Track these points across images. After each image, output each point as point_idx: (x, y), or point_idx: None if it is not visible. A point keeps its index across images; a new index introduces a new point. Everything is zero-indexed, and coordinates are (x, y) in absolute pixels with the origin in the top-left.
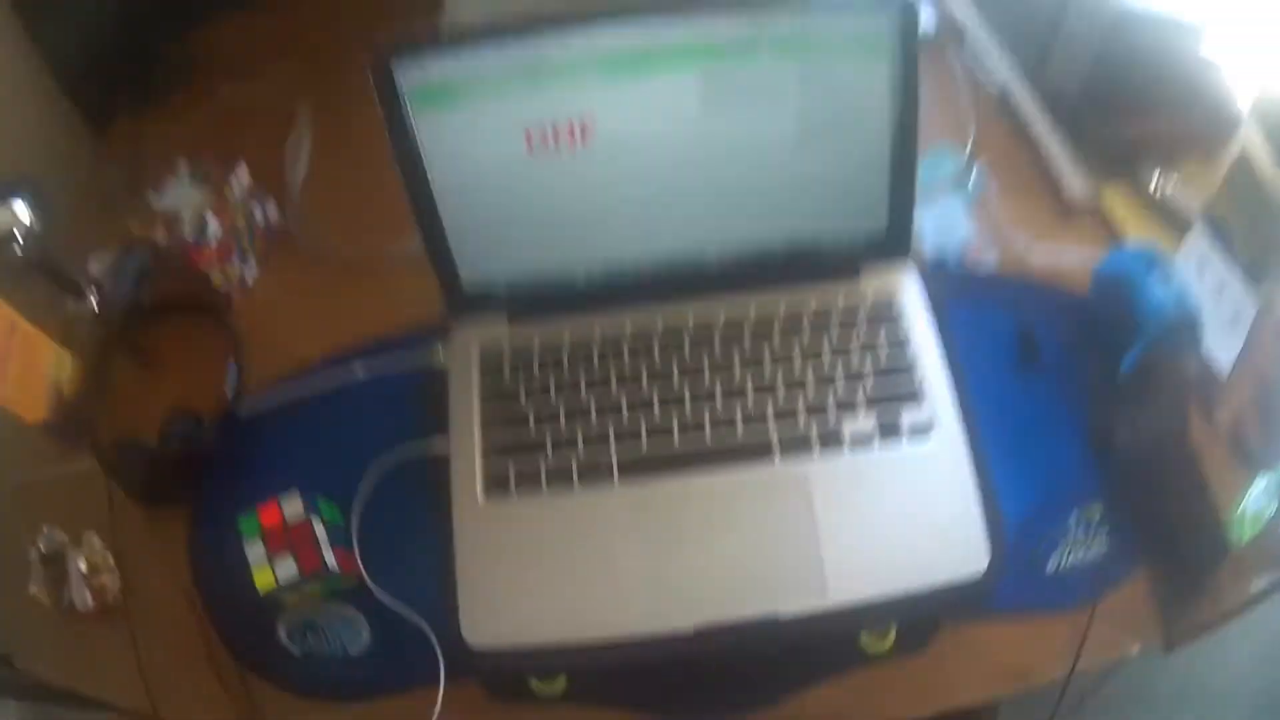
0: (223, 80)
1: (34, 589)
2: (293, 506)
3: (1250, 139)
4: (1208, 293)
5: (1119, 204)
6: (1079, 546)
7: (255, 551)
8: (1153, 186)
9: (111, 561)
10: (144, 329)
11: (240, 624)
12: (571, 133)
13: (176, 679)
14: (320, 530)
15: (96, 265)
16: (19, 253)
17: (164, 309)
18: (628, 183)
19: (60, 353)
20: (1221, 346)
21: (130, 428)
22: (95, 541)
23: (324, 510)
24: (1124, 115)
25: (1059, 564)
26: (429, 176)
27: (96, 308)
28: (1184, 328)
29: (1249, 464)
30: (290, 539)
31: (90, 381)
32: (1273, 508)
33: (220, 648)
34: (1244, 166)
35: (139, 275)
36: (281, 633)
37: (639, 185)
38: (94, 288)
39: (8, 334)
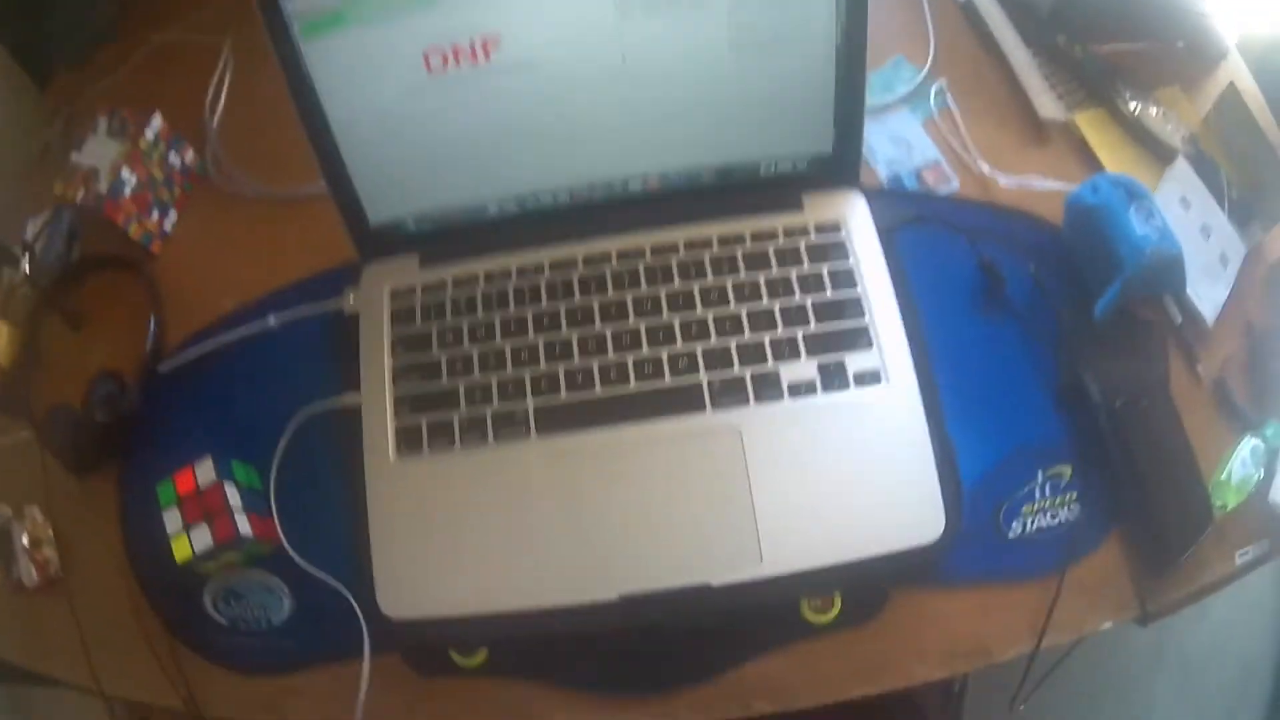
0: (150, 24)
1: None
2: (205, 472)
3: (1240, 71)
4: (1192, 232)
5: (1094, 129)
6: (1045, 510)
7: (173, 521)
8: (1130, 112)
9: (51, 534)
10: (73, 291)
11: (170, 594)
12: (474, 50)
13: (117, 653)
14: (234, 496)
15: (30, 227)
16: None
17: (89, 268)
18: (540, 103)
19: None
20: (1206, 291)
21: (62, 393)
22: (36, 514)
23: (239, 474)
24: (1098, 35)
25: (1023, 529)
26: (325, 108)
27: (29, 271)
28: (1165, 268)
29: (1235, 423)
30: (205, 506)
31: (24, 348)
32: (1258, 474)
33: (153, 619)
34: (1233, 100)
35: (69, 237)
36: (206, 602)
37: (552, 106)
38: (26, 253)
39: None
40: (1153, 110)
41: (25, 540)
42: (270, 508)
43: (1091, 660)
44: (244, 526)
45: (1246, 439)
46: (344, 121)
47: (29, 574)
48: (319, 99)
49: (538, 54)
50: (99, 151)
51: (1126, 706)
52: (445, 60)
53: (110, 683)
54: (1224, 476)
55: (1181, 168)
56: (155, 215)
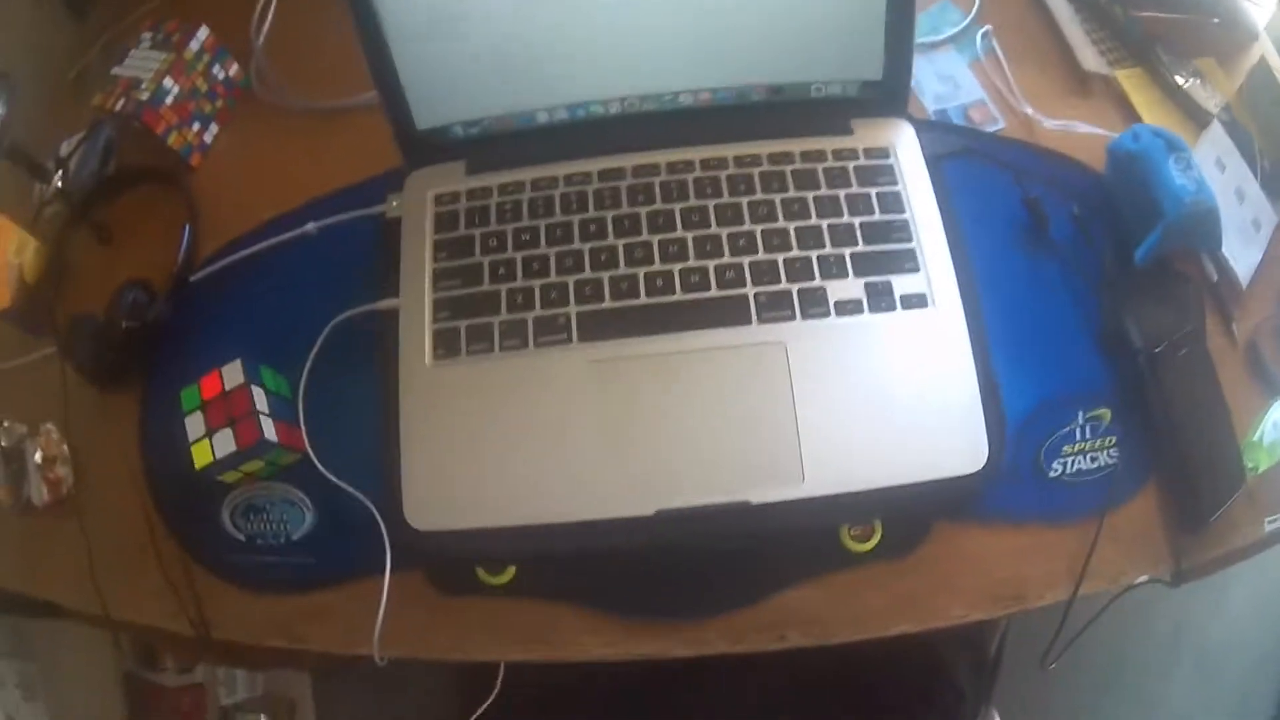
0: None
1: None
2: (233, 375)
3: (1270, 52)
4: (1228, 193)
5: (1134, 86)
6: (1085, 453)
7: (195, 426)
8: (1169, 74)
9: (67, 451)
10: (106, 205)
11: (186, 511)
12: None
13: (126, 574)
14: (261, 400)
15: (65, 146)
16: None
17: (125, 181)
18: (595, 8)
19: (23, 237)
20: (1241, 252)
21: (88, 308)
22: (52, 431)
23: (268, 381)
24: (1140, 2)
25: (1063, 470)
26: (376, 4)
27: (62, 186)
28: (1203, 220)
29: (1267, 386)
30: (229, 410)
31: (52, 264)
32: None
33: (167, 539)
34: (1265, 74)
35: (104, 151)
36: (225, 516)
37: (607, 11)
38: (60, 169)
39: None
40: (1190, 76)
41: (38, 457)
42: (298, 417)
43: (1111, 650)
44: (269, 431)
45: (1278, 403)
46: (396, 18)
47: (39, 493)
48: None
49: None
50: (141, 63)
51: (1143, 694)
52: None
53: (117, 607)
54: (1256, 438)
55: (1217, 131)
56: (196, 126)
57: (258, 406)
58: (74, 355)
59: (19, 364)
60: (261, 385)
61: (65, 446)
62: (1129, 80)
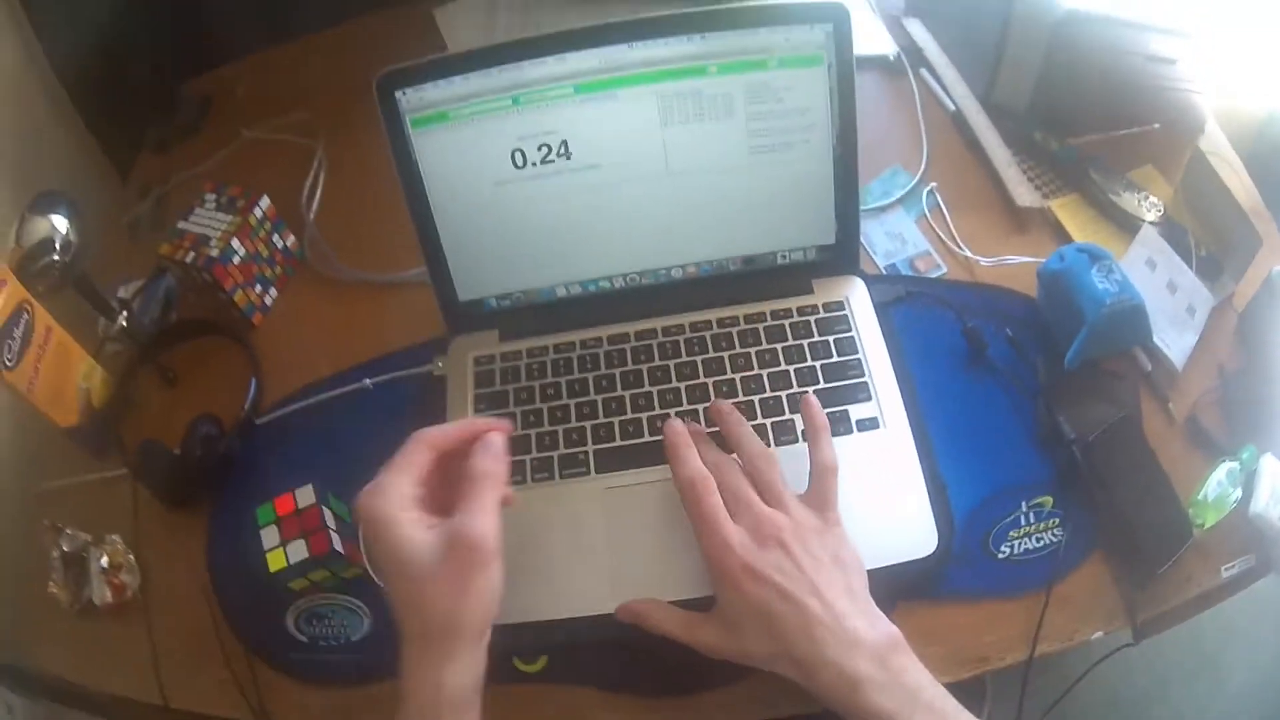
0: (239, 119)
1: (53, 588)
2: (305, 496)
3: (1217, 139)
4: (1159, 288)
5: (1068, 212)
6: (1030, 534)
7: (270, 537)
8: (1102, 194)
9: (132, 560)
10: (171, 348)
11: (250, 616)
12: (552, 149)
13: (188, 669)
14: (329, 519)
15: (123, 290)
16: (57, 264)
17: (187, 332)
18: (602, 199)
19: (92, 364)
20: (1174, 339)
21: (151, 436)
22: (118, 541)
23: (333, 505)
24: (1076, 128)
25: (1011, 551)
26: (427, 193)
27: (126, 326)
28: (1127, 317)
29: (1211, 453)
30: (302, 525)
31: (118, 394)
32: (1237, 494)
33: (231, 638)
34: (1201, 165)
35: (167, 298)
36: (289, 621)
37: (612, 202)
38: (124, 309)
39: (44, 337)
40: (1123, 190)
41: (104, 562)
42: (358, 539)
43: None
44: (338, 544)
45: (1223, 463)
46: (443, 206)
47: (102, 595)
48: (423, 184)
49: (602, 156)
50: (208, 222)
51: None
52: (529, 155)
53: (178, 698)
54: (1201, 496)
55: (1147, 233)
56: (258, 288)
57: (327, 523)
58: (146, 478)
59: (81, 481)
60: (329, 507)
61: (131, 556)
62: (1063, 208)
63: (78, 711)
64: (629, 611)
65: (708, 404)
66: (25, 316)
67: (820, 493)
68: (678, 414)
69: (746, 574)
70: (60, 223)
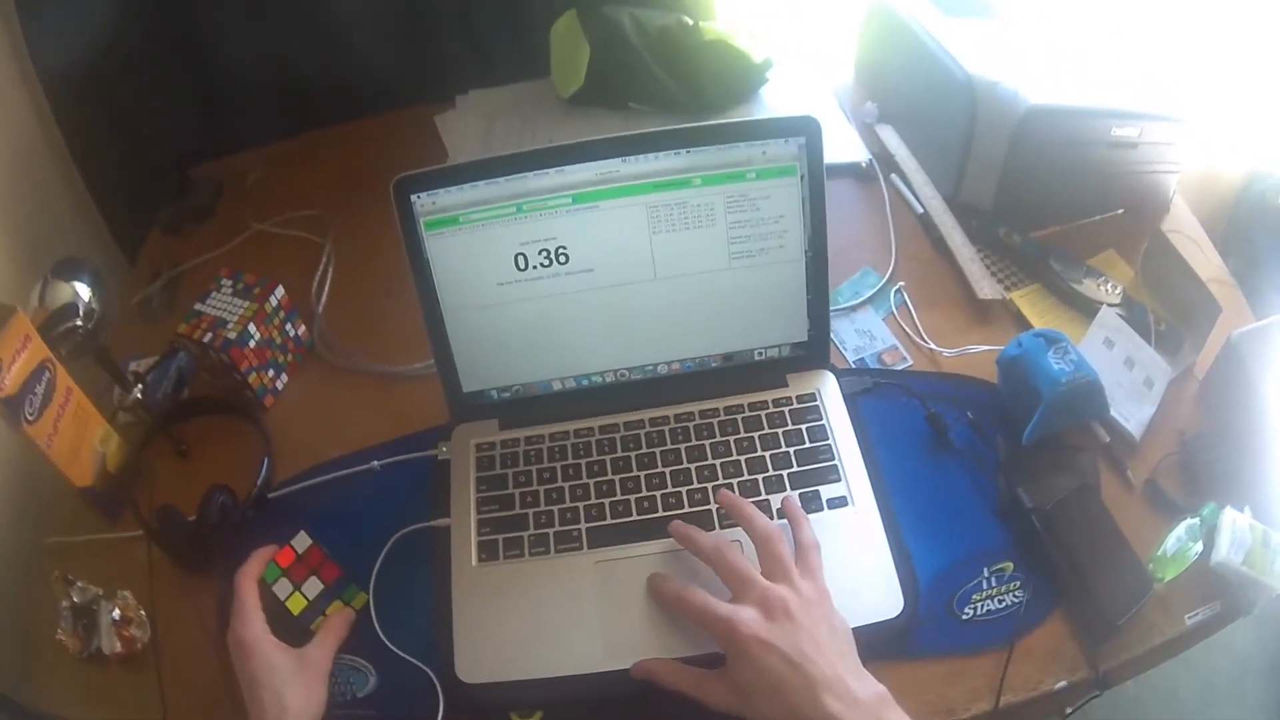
0: (248, 207)
1: (61, 635)
2: (302, 541)
3: (1174, 212)
4: (1116, 365)
5: (1029, 302)
6: (993, 597)
7: (282, 588)
8: (1062, 282)
9: (143, 614)
10: (183, 423)
11: None
12: (550, 255)
13: (196, 718)
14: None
15: (134, 364)
16: (79, 330)
17: (202, 407)
18: (596, 301)
19: (108, 430)
20: (1132, 411)
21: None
22: (129, 597)
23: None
24: (1039, 222)
25: (974, 613)
26: (437, 291)
27: (140, 398)
28: (1082, 393)
29: (1169, 512)
30: (309, 565)
31: (132, 461)
32: (1197, 547)
33: (239, 694)
34: (1160, 244)
35: (179, 375)
36: None
37: (605, 304)
38: (139, 382)
39: (65, 397)
40: (1084, 277)
41: (116, 614)
42: (369, 602)
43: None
44: (344, 573)
45: (1184, 520)
46: (451, 303)
47: (111, 645)
48: (434, 282)
49: (595, 261)
50: (225, 305)
51: None
52: (530, 259)
53: None
54: (1160, 552)
55: (1105, 315)
56: (271, 372)
57: (329, 556)
58: (163, 540)
59: (94, 539)
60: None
61: (142, 612)
62: (1024, 298)
63: None
64: (643, 670)
65: (690, 486)
66: (47, 375)
67: (808, 568)
68: (662, 496)
69: (758, 644)
70: (84, 290)
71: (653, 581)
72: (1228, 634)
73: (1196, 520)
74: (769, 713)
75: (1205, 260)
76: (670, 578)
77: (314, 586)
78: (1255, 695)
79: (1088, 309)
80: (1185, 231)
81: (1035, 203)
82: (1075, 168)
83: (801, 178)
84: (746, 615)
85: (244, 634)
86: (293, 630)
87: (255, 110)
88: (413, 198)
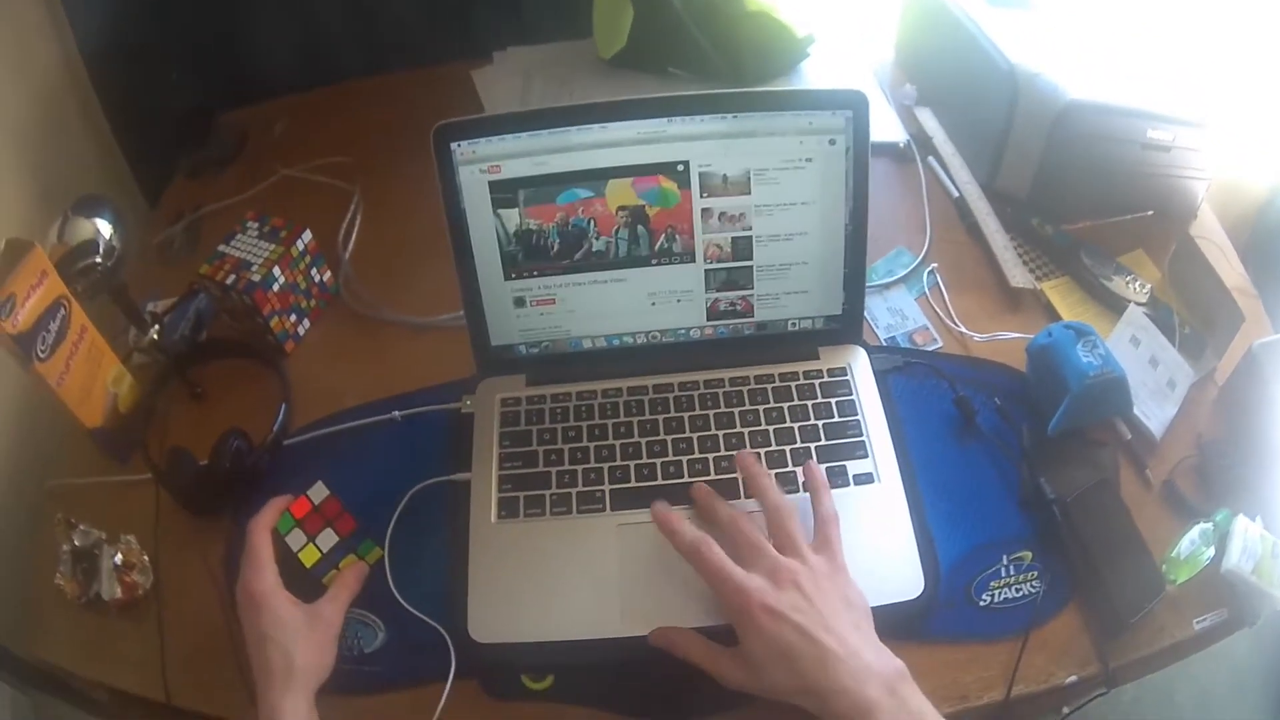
0: (274, 156)
1: (59, 580)
2: (319, 492)
3: (1208, 223)
4: (1141, 363)
5: (1059, 294)
6: (1010, 585)
7: (296, 539)
8: (1093, 277)
9: (146, 560)
10: (199, 366)
11: None
12: (589, 209)
13: (196, 670)
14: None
15: (152, 305)
16: (98, 267)
17: (221, 350)
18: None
19: (121, 370)
20: (1154, 410)
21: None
22: (133, 542)
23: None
24: (1072, 215)
25: (991, 600)
26: (472, 242)
27: (156, 339)
28: (1108, 389)
29: (1186, 515)
30: (325, 516)
31: (145, 403)
32: (1210, 551)
33: (243, 645)
34: (1189, 249)
35: (198, 318)
36: None
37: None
38: (155, 323)
39: (79, 335)
40: (1113, 273)
41: (118, 559)
42: (384, 555)
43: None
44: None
45: (1197, 524)
46: (485, 254)
47: (112, 591)
48: (469, 233)
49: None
50: (250, 248)
51: None
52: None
53: (183, 697)
54: (1174, 554)
55: (1133, 313)
56: (293, 318)
57: (346, 508)
58: (171, 483)
59: (100, 481)
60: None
61: (145, 557)
62: (1054, 290)
63: (65, 704)
64: (661, 636)
65: (717, 453)
66: (62, 311)
67: (826, 540)
68: (688, 462)
69: (766, 614)
70: (104, 227)
71: (665, 518)
72: (1227, 644)
73: (1210, 525)
74: (780, 681)
75: (1229, 268)
76: (685, 521)
77: (329, 539)
78: (1252, 704)
79: (1115, 305)
80: (1211, 238)
81: (1069, 196)
82: (1109, 165)
83: (846, 150)
84: (755, 583)
85: (255, 586)
86: (304, 583)
87: (284, 60)
88: (453, 145)
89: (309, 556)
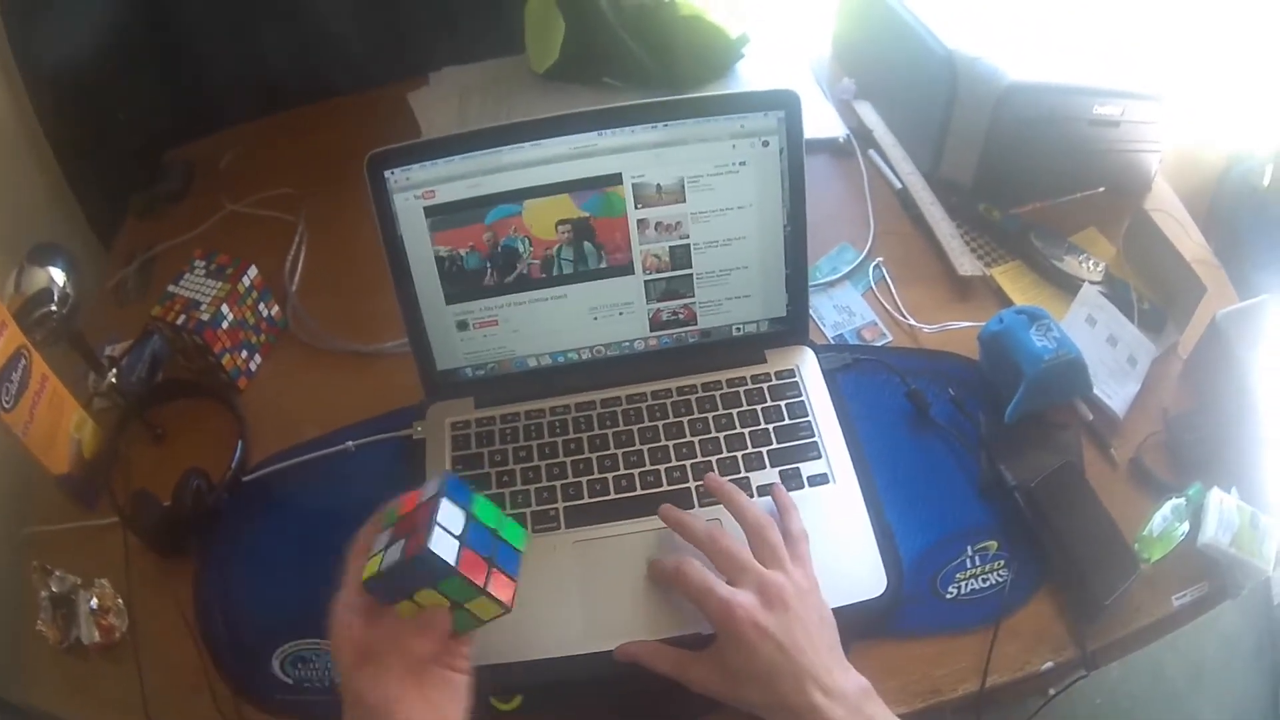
0: (221, 189)
1: (41, 626)
2: (430, 489)
3: (1157, 191)
4: (1100, 342)
5: (1010, 279)
6: (977, 576)
7: (381, 540)
8: (1044, 258)
9: (120, 603)
10: (158, 407)
11: (238, 658)
12: (522, 227)
13: (176, 707)
14: (451, 518)
15: (109, 349)
16: (54, 315)
17: (176, 390)
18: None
19: (83, 416)
20: (1116, 389)
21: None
22: (106, 585)
23: (480, 510)
24: (1021, 198)
25: (958, 592)
26: (411, 269)
27: (115, 383)
28: (1065, 371)
29: (1154, 491)
30: (413, 522)
31: (108, 447)
32: (1184, 527)
33: (218, 680)
34: (1143, 222)
35: (154, 359)
36: (275, 665)
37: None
38: (113, 367)
39: (40, 384)
40: (1065, 254)
41: (94, 603)
42: (516, 569)
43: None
44: (440, 547)
45: (1169, 500)
46: (425, 280)
47: (90, 635)
48: (408, 259)
49: None
50: (198, 287)
51: None
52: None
53: None
54: (1146, 532)
55: (1088, 292)
56: (244, 354)
57: (439, 519)
58: (138, 526)
59: (71, 527)
60: (461, 507)
61: (119, 600)
62: (1005, 275)
63: None
64: (626, 653)
65: (668, 464)
66: (23, 361)
67: (798, 556)
68: (640, 475)
69: (755, 630)
70: (58, 275)
71: (651, 565)
72: (1214, 615)
73: (1182, 500)
74: (753, 698)
75: (1188, 240)
76: (665, 555)
77: (394, 554)
78: (1242, 676)
79: (1069, 286)
80: (1169, 211)
81: (1016, 179)
82: (1056, 145)
83: (780, 151)
84: (745, 599)
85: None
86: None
87: (227, 92)
88: (386, 174)
89: (370, 567)
